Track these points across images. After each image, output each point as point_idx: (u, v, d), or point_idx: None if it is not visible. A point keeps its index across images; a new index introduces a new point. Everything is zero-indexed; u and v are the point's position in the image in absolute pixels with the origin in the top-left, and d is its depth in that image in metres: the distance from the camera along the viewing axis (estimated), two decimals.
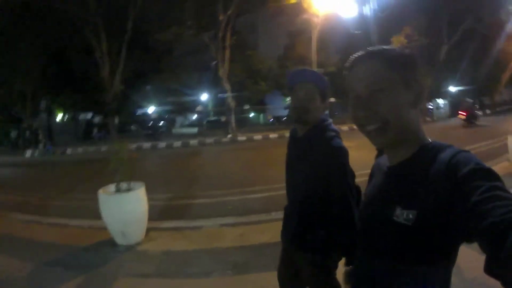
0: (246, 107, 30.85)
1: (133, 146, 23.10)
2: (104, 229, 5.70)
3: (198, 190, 9.11)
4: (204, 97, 35.89)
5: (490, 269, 0.73)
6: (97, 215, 6.75)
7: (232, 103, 25.26)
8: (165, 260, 4.72)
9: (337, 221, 1.92)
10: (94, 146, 24.31)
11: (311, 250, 2.04)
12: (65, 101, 31.11)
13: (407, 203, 0.97)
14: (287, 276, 2.32)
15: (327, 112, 2.23)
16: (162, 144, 23.32)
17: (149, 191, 5.69)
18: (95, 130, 32.28)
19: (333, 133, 2.04)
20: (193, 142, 23.40)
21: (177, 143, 23.23)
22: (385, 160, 1.17)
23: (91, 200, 8.61)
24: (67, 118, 35.48)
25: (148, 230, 5.61)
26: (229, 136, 24.53)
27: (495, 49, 30.91)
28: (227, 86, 24.85)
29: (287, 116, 35.42)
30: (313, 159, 1.99)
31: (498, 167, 8.81)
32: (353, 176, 2.01)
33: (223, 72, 24.68)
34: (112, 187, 5.55)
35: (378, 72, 1.01)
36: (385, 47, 1.07)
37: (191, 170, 13.16)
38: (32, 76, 25.13)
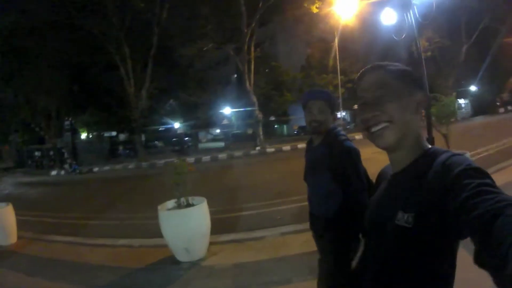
0: (272, 118, 30.47)
1: (162, 162, 22.97)
2: (158, 247, 5.42)
3: (242, 202, 8.79)
4: (228, 110, 35.73)
5: (478, 259, 0.75)
6: (145, 234, 6.50)
7: (259, 115, 24.96)
8: (237, 272, 4.43)
9: (352, 211, 2.19)
10: (121, 164, 24.17)
11: (337, 239, 2.28)
12: (90, 119, 31.27)
13: (407, 206, 1.01)
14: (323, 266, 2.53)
15: (338, 121, 2.25)
16: (190, 159, 22.96)
17: None
18: (121, 148, 32.20)
19: (344, 137, 2.36)
20: (222, 156, 23.16)
21: (206, 158, 22.98)
22: (389, 169, 1.23)
23: (132, 218, 8.37)
24: (92, 136, 35.61)
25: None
26: (258, 148, 24.24)
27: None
28: (253, 98, 24.58)
29: (301, 127, 35.38)
30: (331, 161, 2.30)
31: None
32: (365, 172, 2.32)
33: (249, 84, 24.43)
34: (169, 204, 5.35)
35: (383, 80, 1.11)
36: (388, 63, 1.16)
37: (229, 183, 12.89)
38: (56, 94, 25.41)
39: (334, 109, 2.44)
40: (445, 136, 7.54)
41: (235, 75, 45.44)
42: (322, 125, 2.37)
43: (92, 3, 21.13)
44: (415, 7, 8.68)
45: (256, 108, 24.66)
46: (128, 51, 23.13)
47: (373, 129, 1.10)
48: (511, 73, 33.19)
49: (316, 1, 22.18)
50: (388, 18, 10.38)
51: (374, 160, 2.06)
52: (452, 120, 7.88)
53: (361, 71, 1.20)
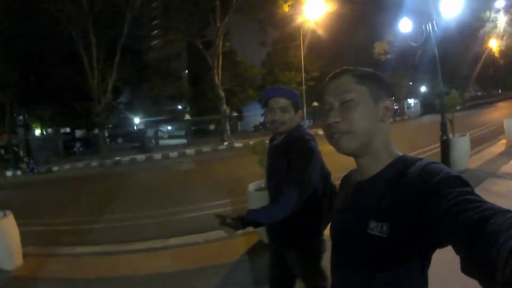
0: (234, 114, 30.32)
1: (126, 159, 22.21)
2: (228, 238, 5.06)
3: None
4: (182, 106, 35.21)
5: (466, 269, 0.76)
6: (184, 230, 6.20)
7: (227, 110, 24.86)
8: None
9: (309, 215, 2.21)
10: (82, 162, 22.87)
11: (296, 246, 2.27)
12: (44, 114, 29.42)
13: (380, 215, 1.00)
14: (278, 271, 2.47)
15: (305, 120, 2.45)
16: (157, 156, 22.43)
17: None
18: (78, 145, 30.40)
19: (308, 137, 2.24)
20: (190, 151, 22.62)
21: (173, 153, 22.41)
22: (355, 174, 1.22)
23: (144, 218, 7.87)
24: (47, 133, 33.50)
25: None
26: (226, 143, 24.07)
27: (465, 51, 32.77)
28: (221, 93, 24.43)
29: (263, 123, 35.23)
30: (291, 161, 2.16)
31: (500, 144, 11.50)
32: (328, 175, 2.33)
33: (217, 79, 24.28)
34: (253, 186, 5.22)
35: (348, 84, 1.10)
36: (363, 68, 1.16)
37: (223, 176, 12.75)
38: (9, 86, 23.66)
39: (298, 107, 2.33)
40: (451, 121, 8.73)
41: (186, 71, 44.99)
42: (285, 125, 2.27)
43: None
44: (434, 21, 9.86)
45: (223, 103, 24.55)
46: (94, 39, 21.86)
47: (335, 135, 1.09)
48: (463, 75, 35.83)
49: (289, 0, 22.47)
50: (405, 26, 11.88)
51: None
52: (457, 108, 9.32)
53: (330, 75, 1.19)
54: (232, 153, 20.81)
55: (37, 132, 33.67)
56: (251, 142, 20.21)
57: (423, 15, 10.01)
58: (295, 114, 2.29)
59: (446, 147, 8.45)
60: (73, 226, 7.86)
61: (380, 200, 1.02)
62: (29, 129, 29.61)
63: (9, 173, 22.27)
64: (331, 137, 1.10)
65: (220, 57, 24.38)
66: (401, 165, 1.04)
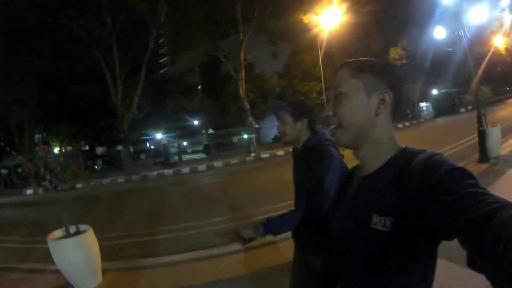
0: (256, 126, 30.30)
1: (154, 174, 22.00)
2: None
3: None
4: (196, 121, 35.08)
5: (472, 263, 0.74)
6: None
7: (253, 122, 24.90)
8: None
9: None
10: (108, 178, 22.51)
11: (318, 249, 2.20)
12: (65, 131, 29.10)
13: (383, 210, 0.98)
14: (301, 273, 2.47)
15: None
16: (185, 170, 22.20)
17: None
18: (99, 162, 29.98)
19: (327, 142, 2.23)
20: (218, 164, 22.35)
21: (201, 167, 22.14)
22: (358, 170, 1.21)
23: (206, 225, 7.63)
24: (66, 150, 33.07)
25: None
26: (253, 154, 24.02)
27: (473, 52, 33.07)
28: (246, 105, 24.56)
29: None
30: (311, 169, 2.19)
31: None
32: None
33: (242, 91, 24.44)
34: None
35: (342, 78, 1.10)
36: (365, 59, 1.14)
37: (265, 182, 12.92)
38: (29, 104, 23.44)
39: (298, 117, 2.36)
40: (484, 114, 9.89)
41: (199, 86, 45.07)
42: (287, 135, 2.38)
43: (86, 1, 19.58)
44: (465, 29, 11.34)
45: (249, 115, 24.63)
46: (117, 55, 21.74)
47: (330, 128, 1.12)
48: (470, 76, 36.24)
49: (308, 12, 22.82)
50: (439, 33, 13.42)
51: None
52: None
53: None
54: (261, 163, 20.70)
55: (56, 150, 33.24)
56: (277, 153, 20.24)
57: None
58: (294, 123, 2.35)
59: (482, 136, 9.58)
60: (131, 239, 7.62)
61: (383, 194, 1.01)
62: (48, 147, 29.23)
63: (29, 191, 21.52)
64: (328, 129, 1.14)
65: (243, 70, 24.54)
66: (404, 157, 1.02)
